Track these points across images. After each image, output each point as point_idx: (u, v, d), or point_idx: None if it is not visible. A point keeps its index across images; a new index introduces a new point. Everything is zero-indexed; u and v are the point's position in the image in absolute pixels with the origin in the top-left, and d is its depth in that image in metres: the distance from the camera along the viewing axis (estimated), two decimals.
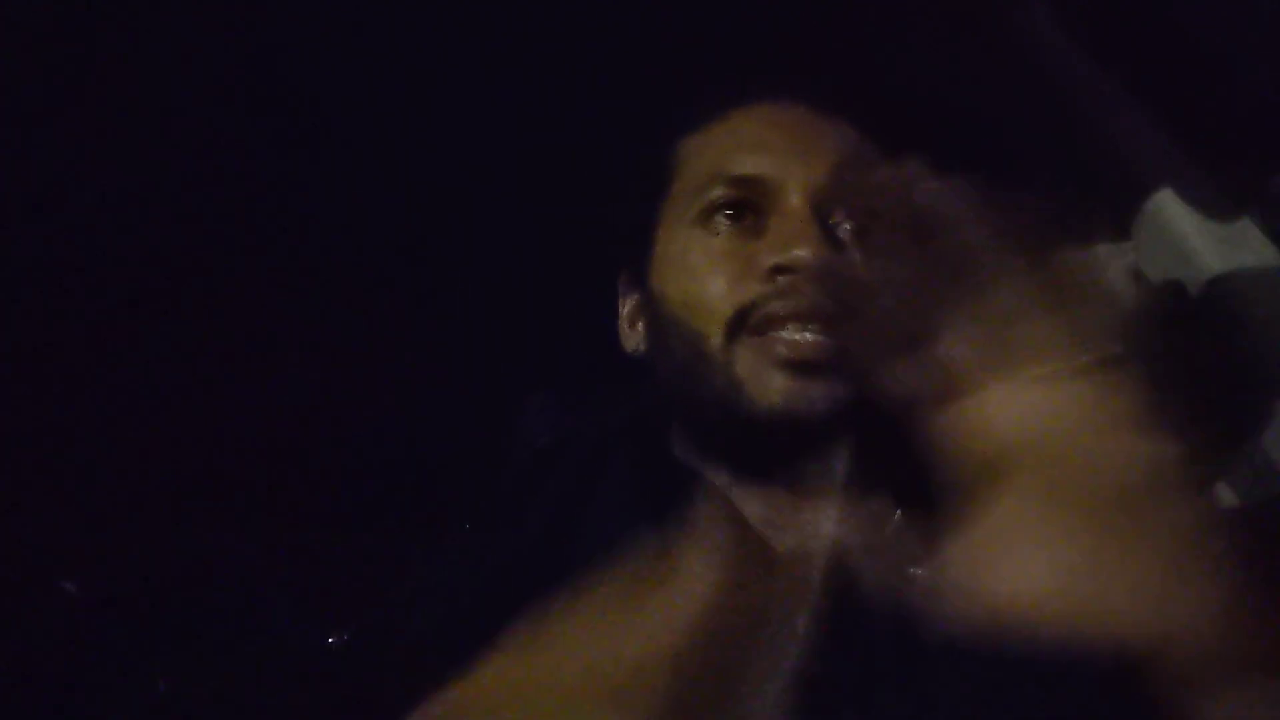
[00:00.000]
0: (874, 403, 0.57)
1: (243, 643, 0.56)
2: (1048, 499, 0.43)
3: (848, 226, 0.59)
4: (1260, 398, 0.66)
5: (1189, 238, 0.71)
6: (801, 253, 0.56)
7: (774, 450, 0.58)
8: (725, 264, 0.59)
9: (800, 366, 0.56)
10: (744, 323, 0.57)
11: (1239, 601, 0.45)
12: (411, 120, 0.85)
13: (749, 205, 0.60)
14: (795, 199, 0.59)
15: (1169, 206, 0.72)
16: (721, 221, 0.60)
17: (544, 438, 0.78)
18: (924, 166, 0.65)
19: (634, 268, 0.66)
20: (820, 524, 0.57)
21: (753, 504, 0.58)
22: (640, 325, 0.67)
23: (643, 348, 0.66)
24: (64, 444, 0.67)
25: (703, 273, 0.59)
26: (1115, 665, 0.51)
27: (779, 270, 0.57)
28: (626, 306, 0.68)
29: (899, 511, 0.57)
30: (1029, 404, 0.45)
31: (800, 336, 0.56)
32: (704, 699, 0.49)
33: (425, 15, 0.80)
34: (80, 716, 0.55)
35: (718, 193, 0.61)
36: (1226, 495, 0.70)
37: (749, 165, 0.61)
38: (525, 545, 0.57)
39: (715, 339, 0.58)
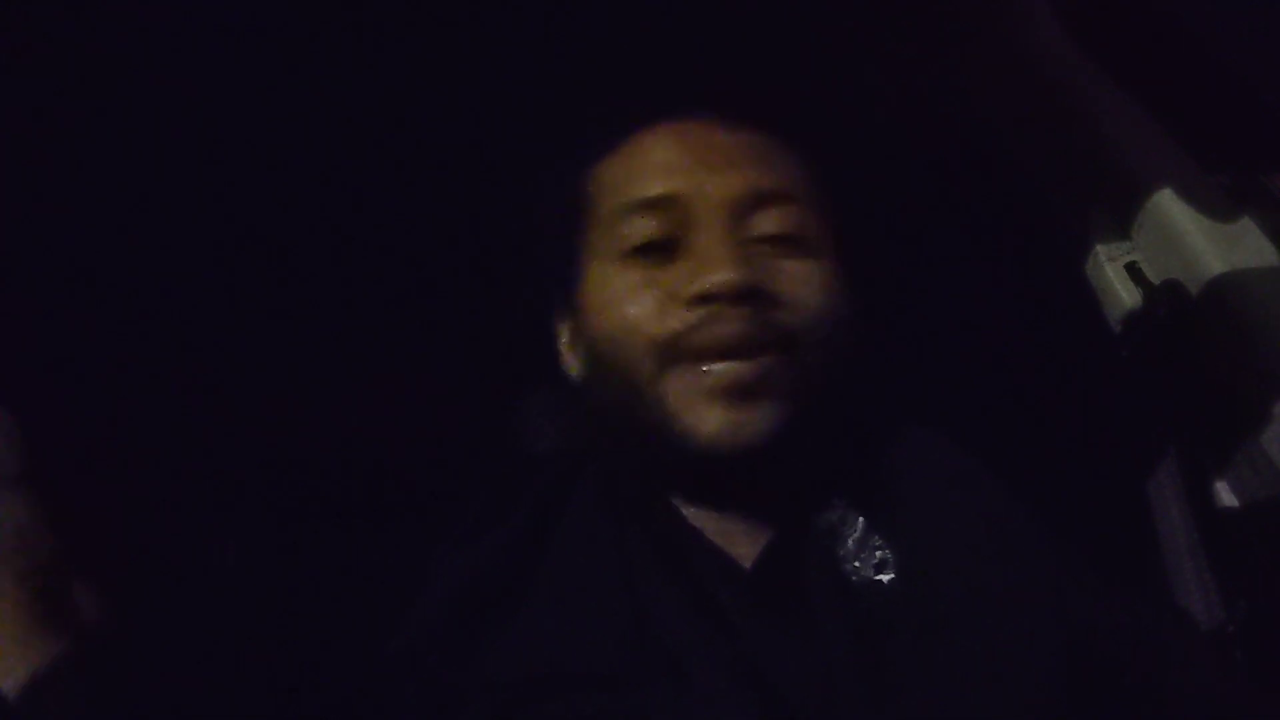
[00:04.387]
0: (811, 420, 0.57)
1: (235, 644, 0.56)
2: None
3: (768, 234, 0.59)
4: (1260, 398, 0.66)
5: (1189, 238, 0.71)
6: (718, 278, 0.55)
7: (715, 479, 0.58)
8: (648, 295, 0.58)
9: (732, 394, 0.55)
10: (672, 354, 0.56)
11: None
12: (418, 114, 0.85)
13: (666, 237, 0.59)
14: (710, 218, 0.58)
15: (1169, 206, 0.72)
16: (641, 259, 0.59)
17: (543, 439, 0.78)
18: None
19: (565, 297, 0.65)
20: (781, 536, 0.57)
21: (711, 521, 0.58)
22: (578, 352, 0.65)
23: (581, 375, 0.65)
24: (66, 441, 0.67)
25: (627, 306, 0.58)
26: (1074, 665, 0.51)
27: (699, 299, 0.56)
28: (564, 334, 0.67)
29: (860, 519, 0.57)
30: None
31: (729, 364, 0.55)
32: (669, 707, 0.50)
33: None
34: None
35: (633, 227, 0.59)
36: (1226, 495, 0.70)
37: (659, 186, 0.60)
38: (503, 550, 0.57)
39: (646, 371, 0.57)
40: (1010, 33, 0.81)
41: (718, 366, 0.55)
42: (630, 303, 0.58)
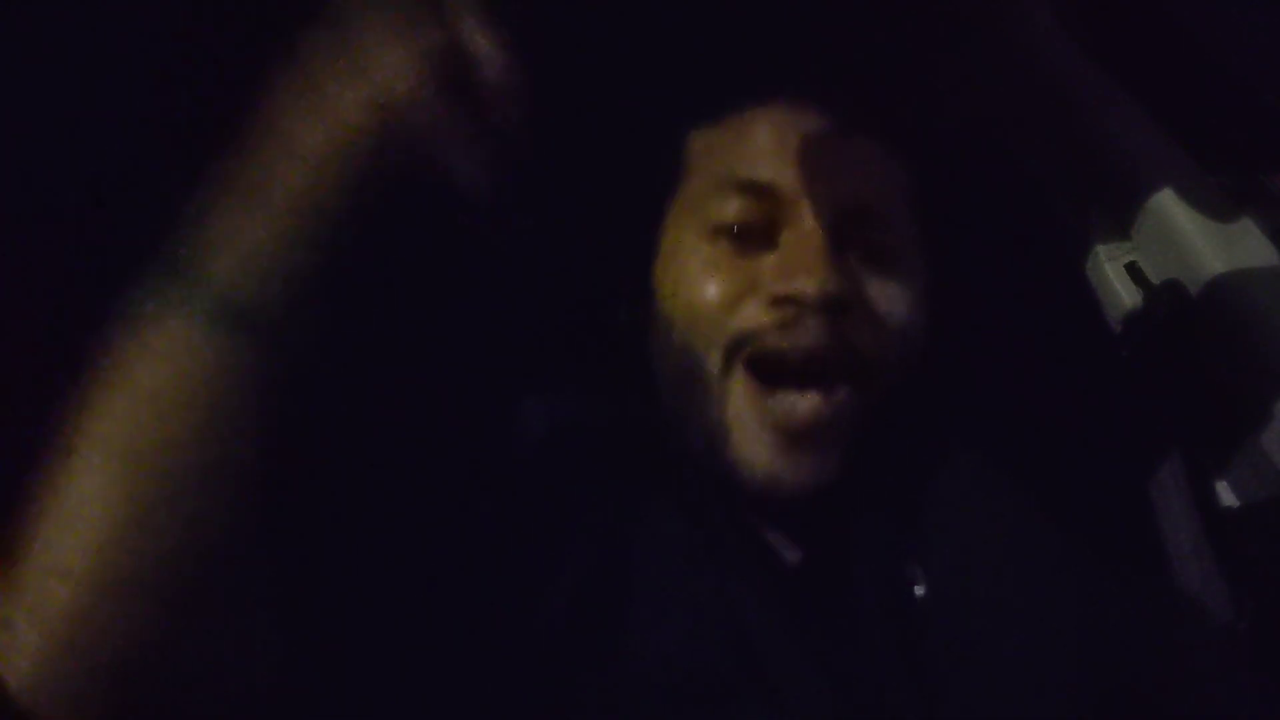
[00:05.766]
0: (870, 455, 0.55)
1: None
2: None
3: (865, 247, 0.57)
4: (1260, 398, 0.66)
5: (1189, 238, 0.71)
6: (809, 284, 0.53)
7: (755, 507, 0.56)
8: (730, 279, 0.56)
9: (795, 434, 0.53)
10: (742, 349, 0.55)
11: None
12: None
13: (761, 222, 0.56)
14: (809, 220, 0.55)
15: (1169, 206, 0.72)
16: (730, 239, 0.57)
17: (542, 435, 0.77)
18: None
19: (639, 256, 0.63)
20: (820, 541, 0.56)
21: (759, 520, 0.57)
22: (637, 309, 0.63)
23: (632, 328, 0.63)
24: None
25: (707, 285, 0.56)
26: (1109, 674, 0.51)
27: (785, 300, 0.54)
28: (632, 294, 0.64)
29: (894, 529, 0.56)
30: None
31: (797, 399, 0.53)
32: (713, 703, 0.49)
33: None
34: None
35: (728, 208, 0.57)
36: (1226, 495, 0.70)
37: (765, 172, 0.57)
38: (561, 538, 0.54)
39: (713, 360, 0.55)
40: (1010, 32, 0.81)
41: (784, 398, 0.53)
42: (711, 283, 0.56)
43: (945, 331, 0.74)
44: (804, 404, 0.53)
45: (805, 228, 0.55)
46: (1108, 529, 0.63)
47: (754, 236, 0.57)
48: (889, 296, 0.56)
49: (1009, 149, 0.84)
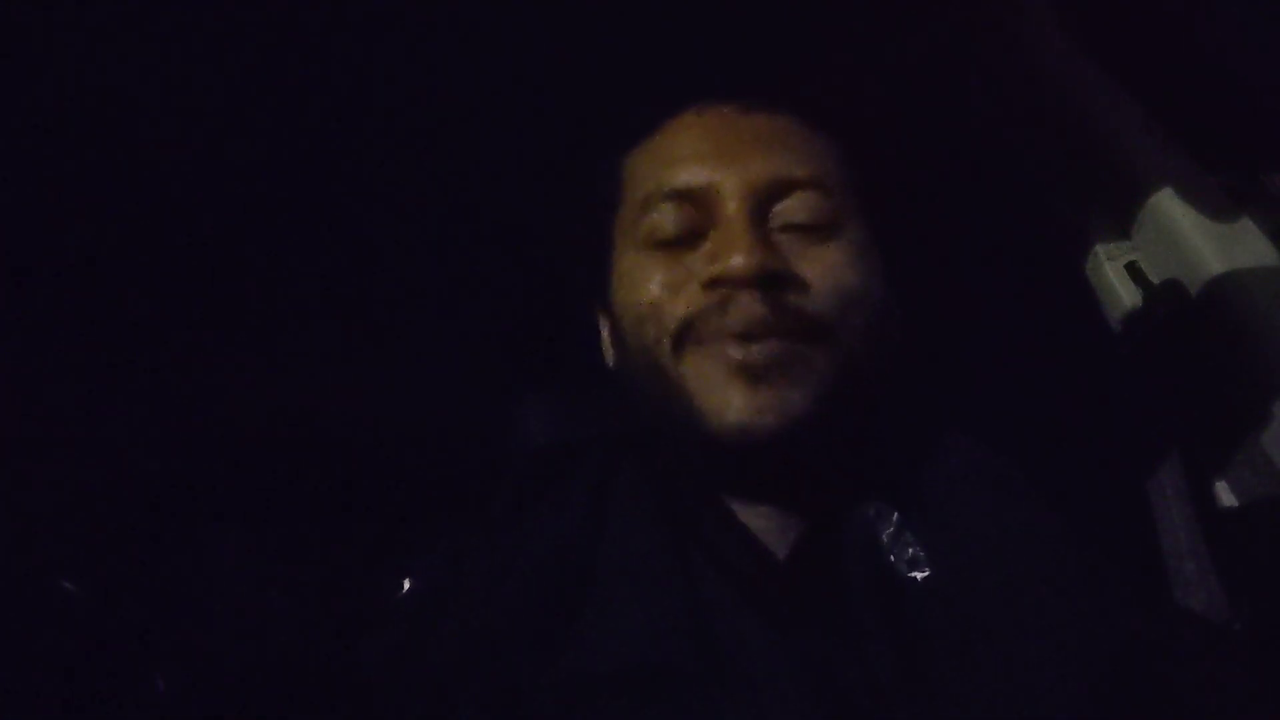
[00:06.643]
0: (847, 407, 0.57)
1: (240, 640, 0.56)
2: None
3: (795, 221, 0.58)
4: (1260, 398, 0.66)
5: (1189, 238, 0.71)
6: (735, 262, 0.55)
7: (747, 464, 0.57)
8: (666, 275, 0.58)
9: (752, 375, 0.55)
10: (689, 335, 0.57)
11: None
12: (412, 122, 0.85)
13: (693, 228, 0.59)
14: (731, 205, 0.58)
15: (1169, 206, 0.72)
16: (667, 247, 0.59)
17: (543, 439, 0.78)
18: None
19: (600, 287, 0.65)
20: (819, 531, 0.57)
21: (751, 514, 0.58)
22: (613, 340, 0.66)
23: (615, 363, 0.66)
24: (63, 442, 0.67)
25: (647, 288, 0.58)
26: (1107, 673, 0.51)
27: (715, 283, 0.56)
28: (604, 325, 0.67)
29: (895, 514, 0.57)
30: None
31: (748, 345, 0.55)
32: (708, 703, 0.49)
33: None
34: (77, 717, 0.54)
35: (658, 215, 0.60)
36: (1226, 495, 0.70)
37: (683, 178, 0.60)
38: (567, 541, 0.56)
39: (664, 352, 0.57)
40: (1010, 33, 0.81)
41: (736, 348, 0.55)
42: (650, 282, 0.58)
43: (946, 330, 0.74)
44: (759, 344, 0.55)
45: (730, 214, 0.58)
46: (1107, 528, 0.63)
47: (688, 238, 0.59)
48: (826, 264, 0.58)
49: (1009, 149, 0.84)
